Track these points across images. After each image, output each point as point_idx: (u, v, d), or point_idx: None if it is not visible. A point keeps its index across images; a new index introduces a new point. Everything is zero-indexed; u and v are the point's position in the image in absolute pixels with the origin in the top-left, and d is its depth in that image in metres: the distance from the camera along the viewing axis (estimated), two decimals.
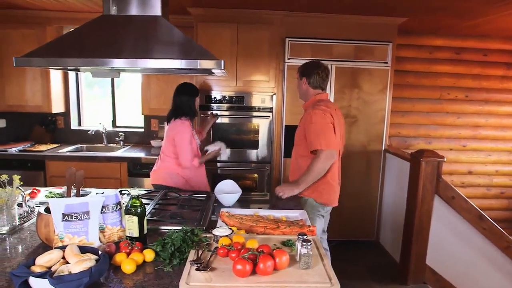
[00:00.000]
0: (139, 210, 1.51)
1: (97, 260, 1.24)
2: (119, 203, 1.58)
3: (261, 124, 3.61)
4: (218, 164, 3.63)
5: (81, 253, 1.29)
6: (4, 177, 1.70)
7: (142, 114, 3.88)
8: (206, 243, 1.52)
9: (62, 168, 3.41)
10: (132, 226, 1.51)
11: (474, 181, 4.56)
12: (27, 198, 2.07)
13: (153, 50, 1.69)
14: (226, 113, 3.57)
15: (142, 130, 4.21)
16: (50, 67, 2.10)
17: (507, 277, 2.74)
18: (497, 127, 4.48)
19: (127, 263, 1.33)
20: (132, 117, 4.29)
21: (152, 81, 3.73)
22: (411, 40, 4.19)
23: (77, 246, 1.32)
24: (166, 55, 1.62)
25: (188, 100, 2.69)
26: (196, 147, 2.74)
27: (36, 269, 1.19)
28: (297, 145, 2.47)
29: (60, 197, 2.09)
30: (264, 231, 1.67)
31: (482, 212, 2.82)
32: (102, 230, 1.52)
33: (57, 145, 3.96)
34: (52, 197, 2.13)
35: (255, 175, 3.68)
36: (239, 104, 3.56)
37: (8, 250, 1.50)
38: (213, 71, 1.80)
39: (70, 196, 1.75)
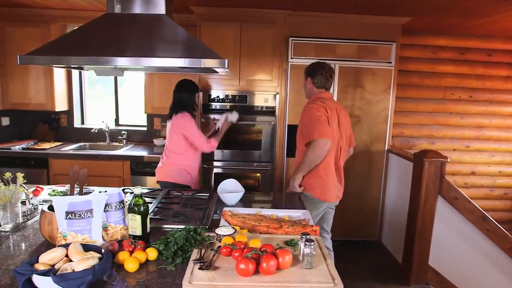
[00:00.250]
0: (142, 208, 1.51)
1: (100, 259, 1.24)
2: (122, 202, 1.58)
3: (264, 124, 3.61)
4: (221, 163, 3.64)
5: (84, 251, 1.29)
6: (8, 175, 1.70)
7: (145, 112, 3.88)
8: (209, 242, 1.52)
9: (65, 166, 3.42)
10: (135, 224, 1.51)
11: (477, 182, 4.54)
12: (31, 196, 2.08)
13: (157, 48, 1.69)
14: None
15: (145, 128, 4.22)
16: (54, 65, 2.11)
17: (510, 278, 2.72)
18: (501, 127, 4.46)
19: (130, 262, 1.33)
20: (135, 116, 4.30)
21: (155, 80, 3.73)
22: (415, 40, 4.17)
23: (80, 244, 1.32)
24: (170, 54, 1.62)
25: (188, 97, 2.72)
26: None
27: (39, 267, 1.19)
28: (297, 143, 2.55)
29: (63, 195, 2.09)
30: (267, 231, 1.67)
31: (486, 213, 2.81)
32: (105, 229, 1.52)
33: (60, 143, 3.97)
34: (55, 195, 2.14)
35: (258, 174, 3.68)
36: (242, 103, 3.56)
37: (12, 248, 1.51)
38: (217, 70, 1.79)
39: (73, 194, 1.76)
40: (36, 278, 1.14)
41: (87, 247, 1.32)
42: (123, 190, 2.10)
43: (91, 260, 1.20)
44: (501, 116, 4.44)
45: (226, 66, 1.59)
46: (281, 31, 3.47)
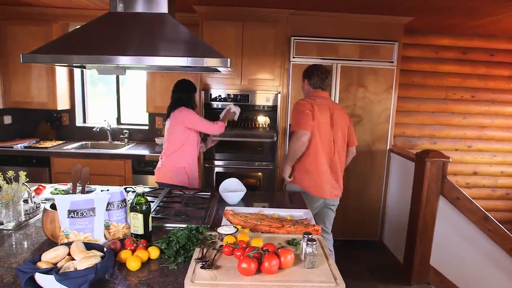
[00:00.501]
0: (144, 207, 1.51)
1: (102, 257, 1.25)
2: (124, 200, 1.59)
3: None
4: (222, 163, 3.64)
5: (87, 249, 1.29)
6: (10, 173, 1.71)
7: (147, 111, 3.88)
8: (210, 241, 1.52)
9: (67, 165, 3.43)
10: (137, 223, 1.52)
11: (479, 182, 4.53)
12: (33, 194, 2.08)
13: (159, 47, 1.68)
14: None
15: (147, 127, 4.22)
16: (56, 64, 2.11)
17: (511, 278, 2.72)
18: (503, 127, 4.44)
19: (132, 260, 1.33)
20: (136, 115, 4.30)
21: (157, 79, 3.73)
22: (417, 40, 4.16)
23: (83, 242, 1.33)
24: (172, 53, 1.62)
25: (187, 97, 2.72)
26: (197, 141, 2.78)
27: (42, 265, 1.19)
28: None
29: (65, 194, 2.10)
30: (268, 230, 1.67)
31: (487, 213, 2.80)
32: (107, 227, 1.53)
33: (62, 141, 3.98)
34: (57, 193, 2.15)
35: (259, 173, 3.68)
36: (243, 102, 3.55)
37: (14, 246, 1.51)
38: (219, 69, 1.79)
39: (75, 193, 1.76)
40: (38, 277, 1.14)
41: (89, 246, 1.33)
42: (125, 189, 2.11)
43: (93, 258, 1.20)
44: (503, 116, 4.42)
45: (228, 65, 1.58)
46: (283, 30, 3.47)
